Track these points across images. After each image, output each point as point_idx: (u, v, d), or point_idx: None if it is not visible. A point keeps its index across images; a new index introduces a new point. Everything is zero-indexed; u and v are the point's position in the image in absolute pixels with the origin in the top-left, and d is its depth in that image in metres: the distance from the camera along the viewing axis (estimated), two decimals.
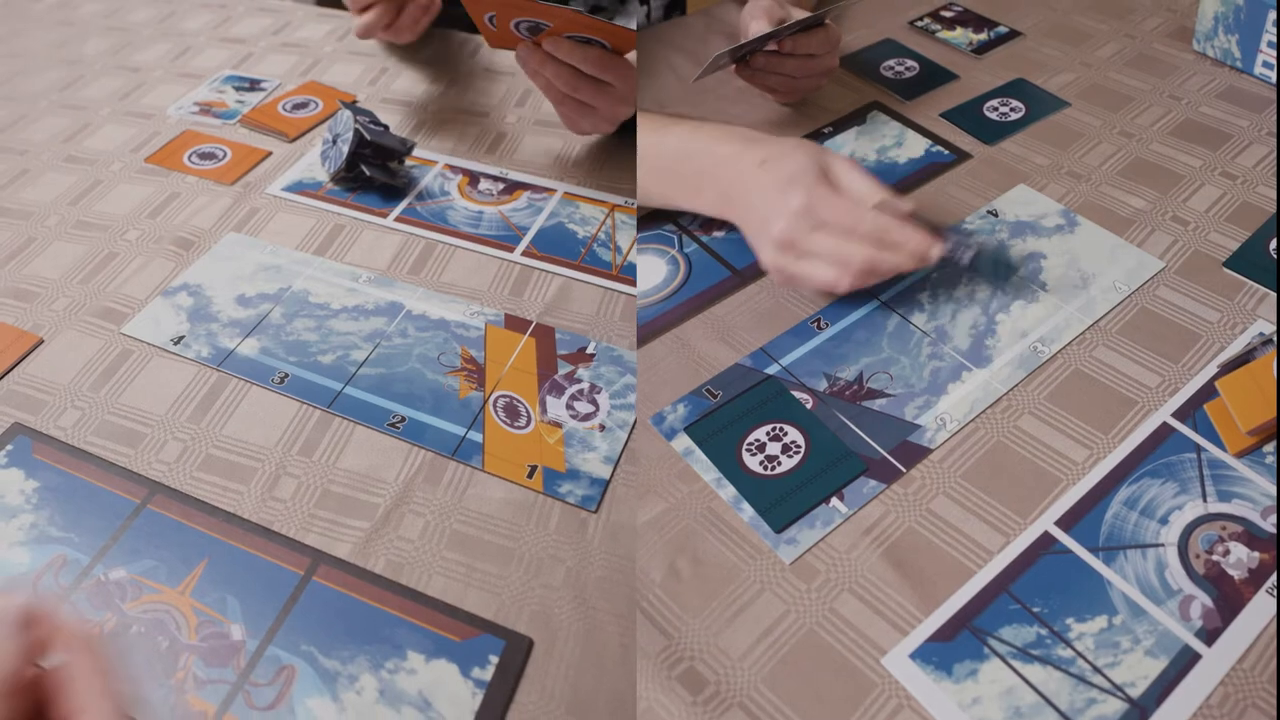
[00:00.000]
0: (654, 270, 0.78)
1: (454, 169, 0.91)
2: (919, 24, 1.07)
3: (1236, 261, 0.76)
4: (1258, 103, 0.92)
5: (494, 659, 0.54)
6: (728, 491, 0.62)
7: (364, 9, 0.98)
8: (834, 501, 0.61)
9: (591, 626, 0.56)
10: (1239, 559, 0.57)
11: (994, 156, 0.88)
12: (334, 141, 0.88)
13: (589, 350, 0.72)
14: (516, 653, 0.55)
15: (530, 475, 0.63)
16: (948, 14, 1.09)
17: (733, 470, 0.63)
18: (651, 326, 0.73)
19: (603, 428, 0.66)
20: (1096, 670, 0.53)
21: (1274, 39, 0.92)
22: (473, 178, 0.90)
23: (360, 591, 0.57)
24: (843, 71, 1.00)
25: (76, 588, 0.57)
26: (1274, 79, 0.94)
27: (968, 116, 0.93)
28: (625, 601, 0.57)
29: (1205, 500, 0.60)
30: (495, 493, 0.63)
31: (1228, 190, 0.83)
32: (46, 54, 1.12)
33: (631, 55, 0.83)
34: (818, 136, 0.91)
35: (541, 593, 0.58)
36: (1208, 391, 0.66)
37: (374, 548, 0.60)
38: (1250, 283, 0.74)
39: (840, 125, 0.93)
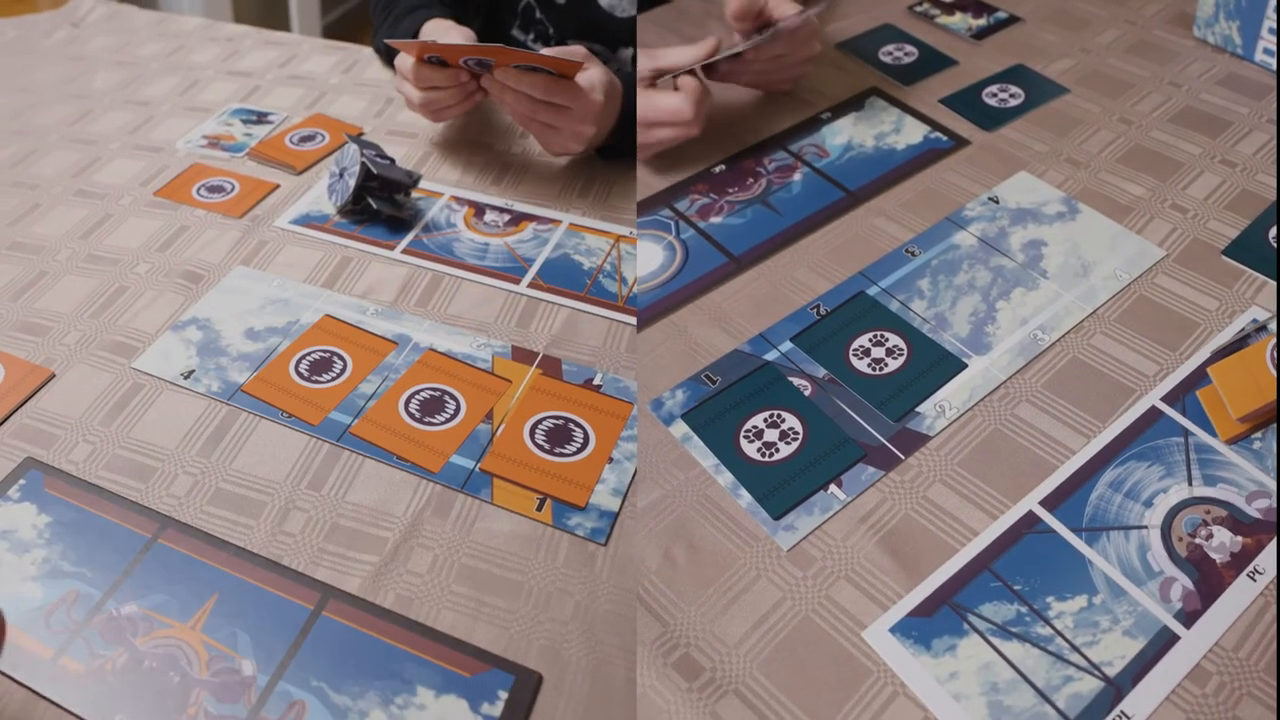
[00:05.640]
0: (651, 256, 0.79)
1: (460, 201, 0.92)
2: (918, 9, 1.08)
3: (1236, 249, 0.76)
4: (1258, 90, 0.93)
5: (503, 694, 0.55)
6: (725, 478, 0.63)
7: (429, 88, 0.90)
8: (832, 488, 0.62)
9: (601, 661, 0.56)
10: (1221, 543, 0.58)
11: (992, 143, 0.89)
12: (341, 175, 0.89)
13: (596, 382, 0.72)
14: (526, 688, 0.55)
15: (539, 508, 0.64)
16: None
17: (730, 457, 0.64)
18: (648, 312, 0.74)
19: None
20: (1074, 649, 0.54)
21: (1275, 25, 0.92)
22: (479, 209, 0.90)
23: (370, 626, 0.58)
24: (841, 56, 1.01)
25: (88, 623, 0.57)
26: (1275, 66, 0.94)
27: (967, 102, 0.94)
28: (634, 635, 0.58)
29: (1190, 484, 0.61)
30: (504, 526, 0.63)
31: (1227, 178, 0.84)
32: (56, 88, 1.13)
33: (584, 79, 0.85)
34: (815, 122, 0.92)
35: (550, 627, 0.58)
36: (1198, 376, 0.67)
37: (383, 582, 0.60)
38: (1249, 271, 0.75)
39: (838, 110, 0.93)
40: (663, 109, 0.81)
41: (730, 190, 0.85)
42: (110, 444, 0.68)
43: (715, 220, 0.82)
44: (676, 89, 0.82)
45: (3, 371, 0.73)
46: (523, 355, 0.75)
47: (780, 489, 0.62)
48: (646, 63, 0.82)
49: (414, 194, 0.91)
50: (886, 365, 0.69)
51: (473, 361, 0.74)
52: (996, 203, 0.82)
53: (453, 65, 0.87)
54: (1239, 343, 0.67)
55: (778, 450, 0.64)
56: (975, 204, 0.82)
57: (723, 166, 0.88)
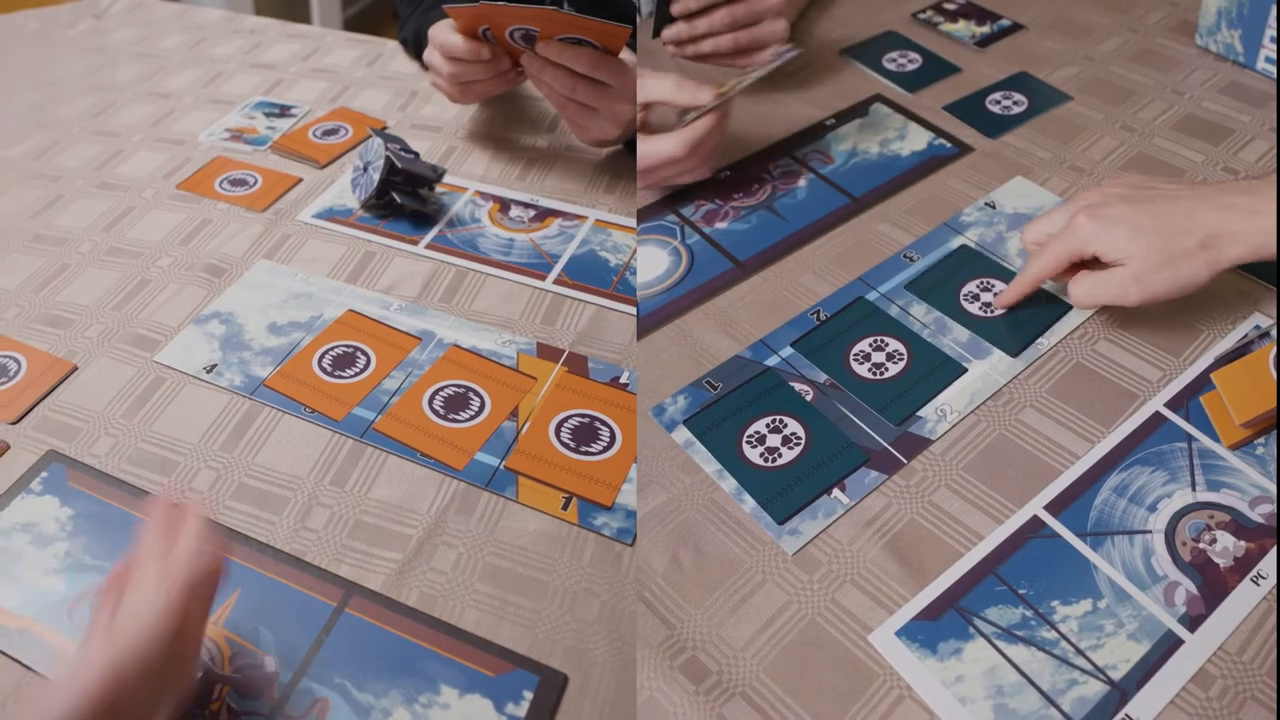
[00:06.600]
0: (656, 261, 0.78)
1: (485, 196, 0.91)
2: (922, 16, 1.07)
3: None
4: (1260, 98, 0.92)
5: (528, 695, 0.54)
6: (729, 483, 0.63)
7: (454, 59, 0.88)
8: (835, 493, 0.62)
9: (627, 662, 0.55)
10: (1225, 547, 0.58)
11: (996, 150, 0.88)
12: (365, 169, 0.88)
13: (622, 380, 0.72)
14: (551, 689, 0.54)
15: (565, 507, 0.63)
16: (950, 6, 1.09)
17: (733, 462, 0.64)
18: (653, 317, 0.73)
19: (637, 459, 0.66)
20: (1079, 652, 0.54)
21: (1276, 34, 0.91)
22: (504, 204, 0.90)
23: (393, 624, 0.57)
24: (845, 63, 1.00)
25: None
26: (1275, 74, 0.93)
27: (970, 109, 0.93)
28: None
29: (1194, 489, 0.61)
30: (529, 525, 0.62)
31: None
32: (79, 81, 1.13)
33: (628, 56, 0.83)
34: (820, 129, 0.91)
35: (576, 627, 0.57)
36: (1202, 382, 0.66)
37: (407, 579, 0.59)
38: (1252, 277, 0.74)
39: (843, 117, 0.93)
40: (656, 155, 0.76)
41: (736, 196, 0.84)
42: (132, 438, 0.68)
43: (720, 226, 0.81)
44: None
45: (25, 364, 0.73)
46: (548, 352, 0.74)
47: (784, 494, 0.62)
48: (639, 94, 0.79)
49: (438, 189, 0.91)
50: (887, 370, 0.69)
51: (497, 358, 0.73)
52: (993, 208, 0.81)
53: (500, 40, 0.85)
54: (1242, 348, 0.67)
55: (780, 455, 0.64)
56: (972, 209, 0.81)
57: (728, 172, 0.87)
